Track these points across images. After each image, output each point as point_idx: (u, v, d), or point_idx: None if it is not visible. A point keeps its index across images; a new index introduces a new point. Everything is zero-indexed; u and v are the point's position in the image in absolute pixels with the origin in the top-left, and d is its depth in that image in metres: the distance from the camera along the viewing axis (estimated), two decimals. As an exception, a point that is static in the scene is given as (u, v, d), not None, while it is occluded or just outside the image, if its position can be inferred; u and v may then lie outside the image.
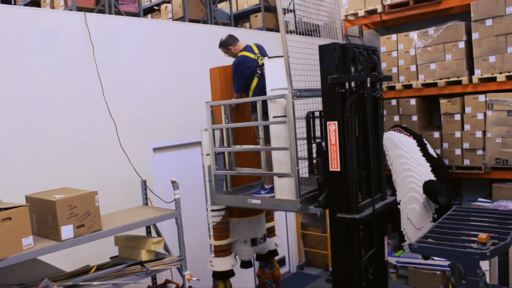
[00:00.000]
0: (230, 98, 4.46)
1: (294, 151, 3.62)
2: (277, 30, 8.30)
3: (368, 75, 3.66)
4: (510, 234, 3.23)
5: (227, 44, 4.52)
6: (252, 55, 4.44)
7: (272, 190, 4.06)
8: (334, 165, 3.50)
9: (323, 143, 3.69)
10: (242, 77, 4.39)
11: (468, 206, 4.84)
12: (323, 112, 3.63)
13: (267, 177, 4.21)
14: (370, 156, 3.72)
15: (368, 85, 3.66)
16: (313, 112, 3.75)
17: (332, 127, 3.49)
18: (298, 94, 3.67)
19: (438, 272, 5.95)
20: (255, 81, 4.42)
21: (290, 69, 3.64)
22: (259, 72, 4.40)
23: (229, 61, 4.60)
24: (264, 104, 3.99)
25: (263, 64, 4.25)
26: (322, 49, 3.58)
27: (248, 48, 4.53)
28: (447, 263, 4.93)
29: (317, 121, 3.83)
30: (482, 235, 3.08)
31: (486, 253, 2.95)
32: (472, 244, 3.10)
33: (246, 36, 5.44)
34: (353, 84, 3.63)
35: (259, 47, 4.61)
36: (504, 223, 3.53)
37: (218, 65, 4.50)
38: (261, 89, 4.23)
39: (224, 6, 8.57)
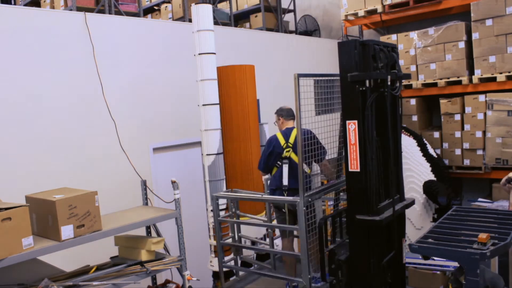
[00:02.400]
0: (228, 98, 4.46)
1: (306, 257, 3.61)
2: (277, 30, 8.31)
3: (388, 72, 3.52)
4: (510, 234, 3.20)
5: (280, 114, 4.64)
6: (282, 140, 4.45)
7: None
8: (354, 165, 3.37)
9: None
10: (263, 155, 4.48)
11: (468, 206, 4.83)
12: (342, 111, 3.48)
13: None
14: (390, 156, 3.59)
15: (389, 83, 3.50)
16: (325, 219, 3.66)
17: (352, 126, 3.35)
18: (310, 200, 3.66)
19: (438, 272, 5.95)
20: (274, 171, 4.47)
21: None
22: (279, 163, 4.43)
23: (229, 61, 4.60)
24: None
25: (286, 157, 4.35)
26: (342, 45, 3.42)
27: (286, 131, 4.52)
28: (447, 263, 4.94)
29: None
30: (482, 235, 3.05)
31: (486, 253, 2.93)
32: (472, 245, 3.06)
33: (246, 36, 5.44)
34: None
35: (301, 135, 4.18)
36: (504, 223, 3.50)
37: (218, 65, 4.50)
38: (273, 183, 4.37)
39: (224, 6, 8.58)
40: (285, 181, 4.33)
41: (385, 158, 3.59)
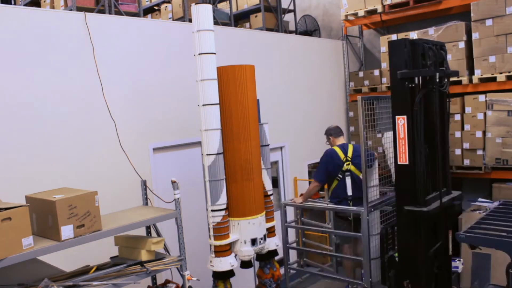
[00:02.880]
0: (228, 98, 4.46)
1: (368, 262, 3.90)
2: (277, 30, 8.31)
3: (437, 70, 3.68)
4: None
5: (329, 134, 5.20)
6: (342, 155, 4.91)
7: None
8: (403, 158, 3.55)
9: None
10: (324, 167, 4.90)
11: None
12: (391, 106, 3.67)
13: None
14: (437, 151, 3.74)
15: (437, 80, 3.67)
16: (386, 228, 3.92)
17: (401, 121, 3.53)
18: (372, 210, 4.05)
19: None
20: (334, 184, 4.87)
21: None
22: (340, 176, 4.83)
23: (229, 61, 4.60)
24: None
25: (347, 170, 4.77)
26: (393, 44, 3.60)
27: (343, 146, 5.01)
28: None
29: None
30: None
31: None
32: None
33: (246, 36, 5.45)
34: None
35: (356, 151, 4.92)
36: None
37: (218, 65, 4.50)
38: (337, 195, 4.80)
39: (224, 6, 8.57)
40: (350, 192, 4.74)
41: (432, 152, 3.75)
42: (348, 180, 4.75)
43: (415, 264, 3.60)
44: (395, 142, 3.56)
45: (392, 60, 3.58)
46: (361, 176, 4.63)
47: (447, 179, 3.96)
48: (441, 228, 3.79)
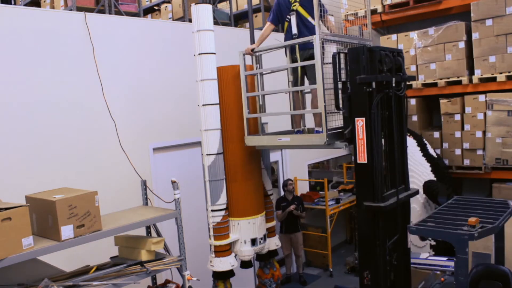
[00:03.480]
0: (228, 98, 4.47)
1: (322, 88, 3.88)
2: (277, 30, 8.30)
3: (393, 75, 3.95)
4: (499, 219, 3.64)
5: None
6: None
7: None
8: (362, 157, 3.79)
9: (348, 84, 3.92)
10: (274, 8, 4.77)
11: (468, 197, 5.12)
12: (352, 109, 3.88)
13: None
14: (395, 150, 4.02)
15: (393, 84, 3.94)
16: (338, 53, 3.94)
17: (360, 123, 3.78)
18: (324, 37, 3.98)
19: (438, 272, 5.95)
20: (285, 26, 4.72)
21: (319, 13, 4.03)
22: (288, 17, 4.66)
23: (229, 61, 4.60)
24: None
25: (293, 10, 4.58)
26: (351, 51, 3.87)
27: None
28: (447, 263, 5.01)
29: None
30: (472, 219, 3.51)
31: (474, 234, 3.37)
32: (462, 227, 3.50)
33: (246, 36, 5.44)
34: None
35: None
36: (497, 211, 3.93)
37: (218, 65, 4.50)
38: (286, 34, 4.68)
39: (224, 6, 8.58)
40: (294, 30, 4.59)
41: (391, 152, 4.06)
42: (293, 19, 4.59)
43: (373, 256, 3.84)
44: (355, 142, 3.82)
45: (351, 67, 3.83)
46: (309, 19, 4.53)
47: (405, 176, 4.25)
48: (398, 223, 4.05)
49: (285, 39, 4.70)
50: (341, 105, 3.92)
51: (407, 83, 7.24)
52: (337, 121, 4.16)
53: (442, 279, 4.46)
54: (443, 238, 3.66)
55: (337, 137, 4.00)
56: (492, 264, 4.27)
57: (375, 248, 3.83)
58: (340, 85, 3.92)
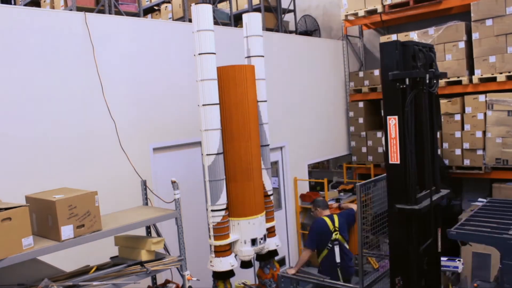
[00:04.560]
0: (228, 98, 4.47)
1: None
2: (277, 30, 8.30)
3: (427, 71, 3.77)
4: None
5: (317, 205, 5.57)
6: (330, 224, 5.29)
7: None
8: (394, 158, 3.64)
9: None
10: (314, 234, 5.29)
11: (501, 199, 5.08)
12: (383, 107, 3.85)
13: None
14: (426, 150, 3.84)
15: (427, 81, 3.78)
16: None
17: (392, 121, 3.62)
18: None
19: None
20: (324, 252, 5.27)
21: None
22: (329, 245, 5.21)
23: (229, 61, 4.60)
24: None
25: (336, 239, 5.21)
26: (384, 46, 3.70)
27: (331, 216, 5.40)
28: (447, 263, 5.00)
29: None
30: None
31: None
32: (508, 231, 3.33)
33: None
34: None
35: (341, 219, 5.36)
36: None
37: (218, 65, 4.50)
38: (327, 264, 5.22)
39: (224, 6, 8.57)
40: (338, 259, 5.23)
41: (422, 152, 3.84)
42: (337, 249, 5.21)
43: (406, 261, 3.70)
44: (387, 142, 3.67)
45: (384, 62, 3.68)
46: (346, 245, 5.26)
47: (436, 177, 4.08)
48: (430, 226, 3.91)
49: (323, 265, 5.30)
50: None
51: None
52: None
53: (475, 284, 4.28)
54: (487, 243, 3.52)
55: None
56: None
57: (407, 252, 3.67)
58: None
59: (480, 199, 6.53)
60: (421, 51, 3.74)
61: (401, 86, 3.58)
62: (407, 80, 3.58)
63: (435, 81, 3.89)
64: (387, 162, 3.70)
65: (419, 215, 3.63)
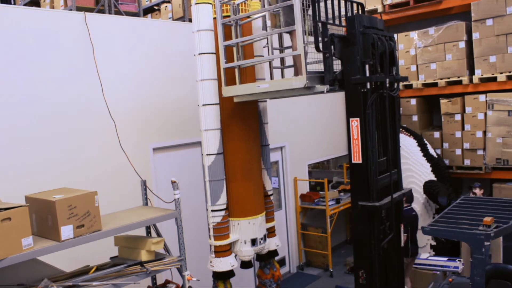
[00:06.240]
0: (228, 98, 4.46)
1: (300, 28, 3.66)
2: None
3: (387, 75, 3.96)
4: None
5: None
6: None
7: None
8: (356, 157, 3.83)
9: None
10: None
11: (475, 197, 5.16)
12: (346, 109, 3.92)
13: None
14: (388, 150, 4.06)
15: (387, 85, 3.98)
16: None
17: (355, 123, 3.82)
18: None
19: (438, 272, 5.94)
20: None
21: None
22: None
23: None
24: None
25: None
26: (346, 53, 3.84)
27: None
28: (447, 263, 5.01)
29: None
30: (487, 219, 3.51)
31: (490, 233, 3.37)
32: (478, 227, 3.51)
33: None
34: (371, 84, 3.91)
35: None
36: (507, 210, 3.95)
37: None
38: None
39: (224, 6, 8.55)
40: None
41: (385, 151, 4.10)
42: None
43: (369, 255, 3.88)
44: (350, 142, 3.86)
45: (345, 68, 3.84)
46: None
47: (399, 175, 4.29)
48: (392, 222, 4.09)
49: None
50: (321, 47, 3.72)
51: (405, 82, 7.27)
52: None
53: (450, 279, 4.45)
54: (458, 238, 3.68)
55: (318, 81, 3.81)
56: (501, 264, 4.30)
57: (370, 247, 3.87)
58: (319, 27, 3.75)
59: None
60: (380, 39, 3.88)
61: (363, 90, 3.76)
62: (367, 84, 3.76)
63: (396, 85, 4.14)
64: (350, 162, 3.88)
65: (380, 211, 3.86)
